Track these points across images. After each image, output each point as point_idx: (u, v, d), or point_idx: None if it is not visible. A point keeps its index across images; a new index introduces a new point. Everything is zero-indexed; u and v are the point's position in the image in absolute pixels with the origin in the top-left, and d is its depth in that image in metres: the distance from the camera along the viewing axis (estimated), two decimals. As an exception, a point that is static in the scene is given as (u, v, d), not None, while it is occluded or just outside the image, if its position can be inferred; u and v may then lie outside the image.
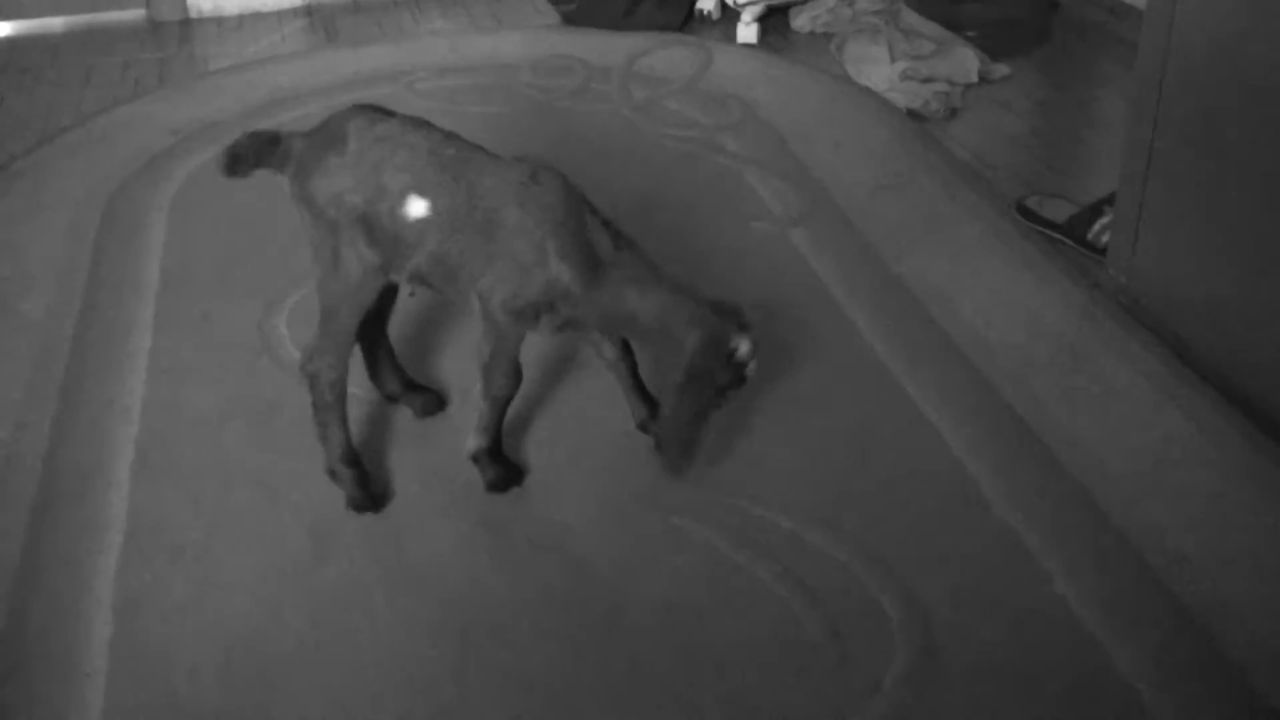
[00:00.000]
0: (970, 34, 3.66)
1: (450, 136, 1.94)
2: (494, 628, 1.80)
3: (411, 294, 2.10)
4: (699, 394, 1.86)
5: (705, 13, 4.14)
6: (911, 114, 3.37)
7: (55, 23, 4.37)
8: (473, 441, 2.02)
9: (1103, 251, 2.57)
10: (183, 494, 2.06)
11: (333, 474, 2.02)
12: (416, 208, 1.87)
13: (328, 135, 1.94)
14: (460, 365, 2.29)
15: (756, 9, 3.95)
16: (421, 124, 1.96)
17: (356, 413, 2.23)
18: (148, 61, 4.05)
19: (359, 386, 2.29)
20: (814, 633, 1.77)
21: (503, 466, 2.04)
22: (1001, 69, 3.60)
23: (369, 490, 2.02)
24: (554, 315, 1.90)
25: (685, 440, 1.89)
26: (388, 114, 1.97)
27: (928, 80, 3.48)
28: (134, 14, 4.38)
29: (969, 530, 1.95)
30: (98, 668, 1.75)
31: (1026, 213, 2.80)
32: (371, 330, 2.11)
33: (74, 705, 1.70)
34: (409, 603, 1.85)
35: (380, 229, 1.88)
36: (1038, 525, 1.94)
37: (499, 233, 1.85)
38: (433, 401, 2.23)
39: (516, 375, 1.98)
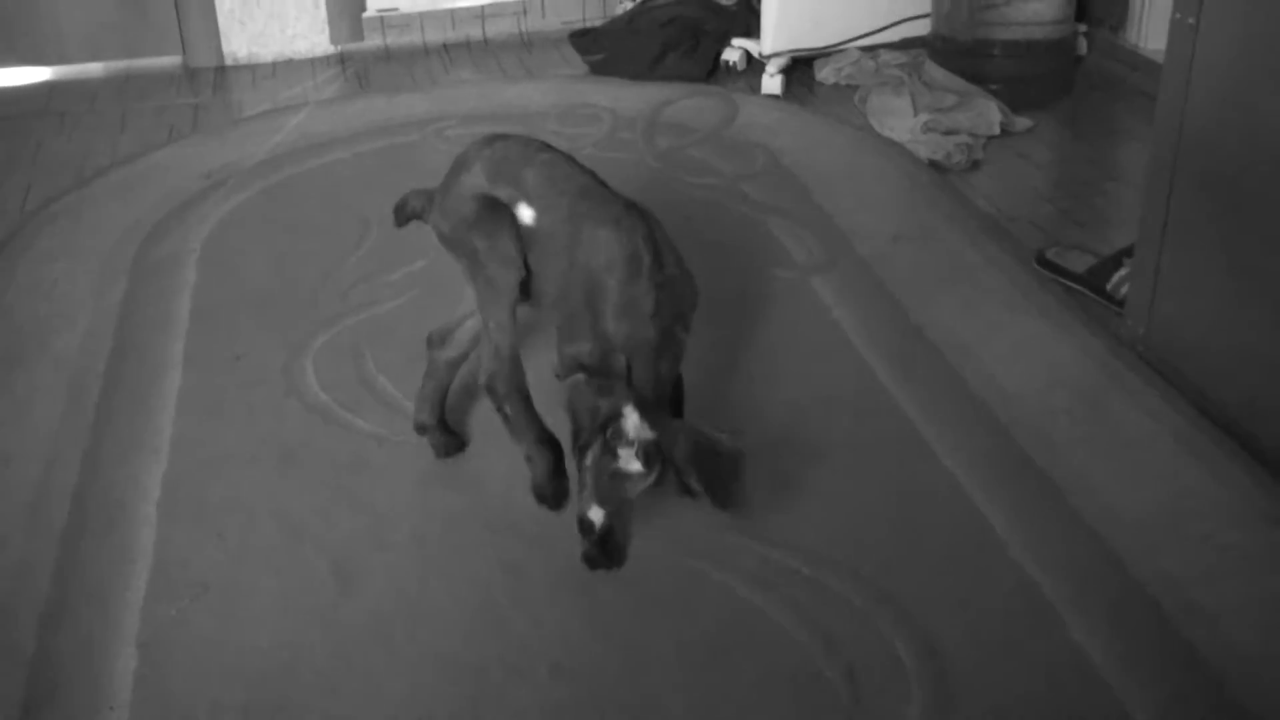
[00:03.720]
0: (993, 87, 3.69)
1: (569, 158, 2.07)
2: (512, 667, 1.82)
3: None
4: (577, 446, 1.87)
5: (731, 64, 4.20)
6: (933, 165, 3.41)
7: (94, 68, 4.46)
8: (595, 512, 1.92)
9: (1122, 303, 2.59)
10: (208, 531, 2.09)
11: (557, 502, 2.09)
12: (525, 214, 1.99)
13: (456, 164, 2.09)
14: (484, 409, 2.31)
15: (781, 61, 4.00)
16: (543, 145, 2.09)
17: (382, 454, 2.27)
18: (183, 107, 4.13)
19: (384, 427, 2.34)
20: (831, 676, 1.78)
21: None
22: (1023, 121, 3.63)
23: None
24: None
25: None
26: (508, 136, 2.12)
27: (950, 132, 3.52)
28: (171, 60, 4.47)
29: (986, 576, 1.96)
30: (122, 701, 1.78)
31: (1046, 263, 2.82)
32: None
33: (98, 737, 1.73)
34: (429, 640, 1.87)
35: None
36: (1054, 573, 1.95)
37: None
38: (454, 444, 2.26)
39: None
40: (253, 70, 4.45)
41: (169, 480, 2.23)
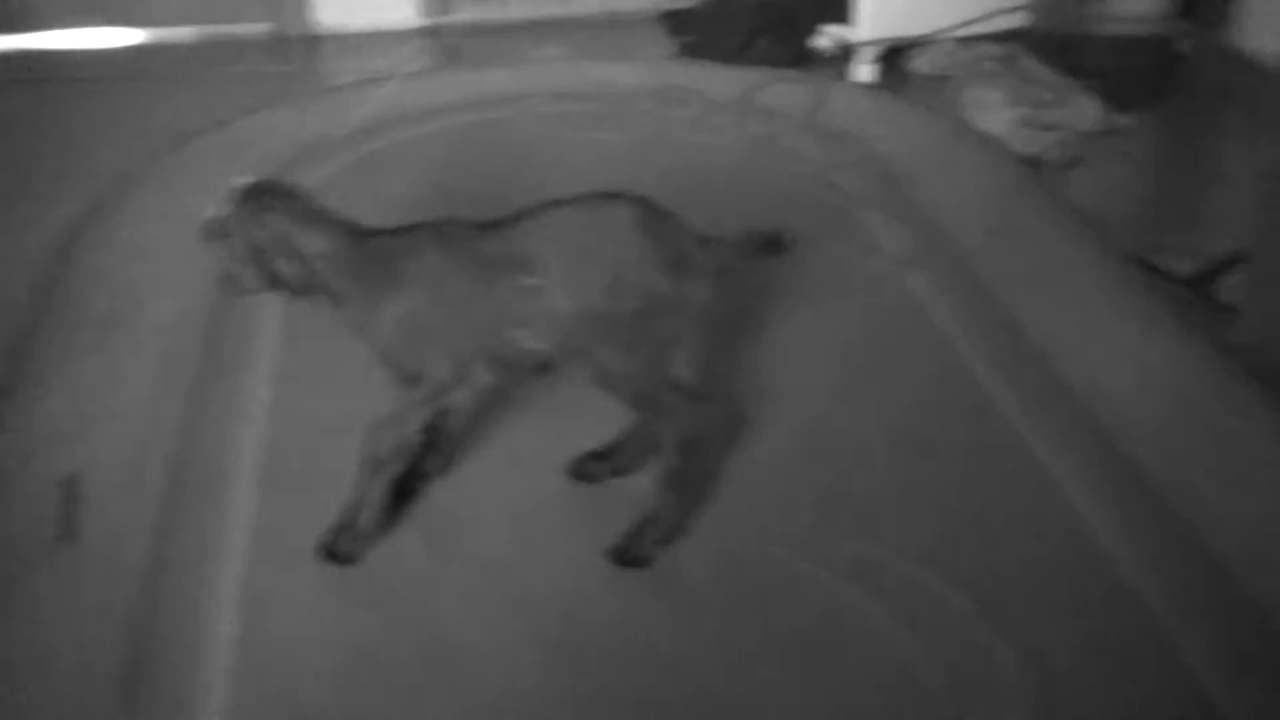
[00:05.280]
0: (1092, 83, 3.63)
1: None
2: (608, 653, 1.81)
3: None
4: None
5: (823, 50, 4.16)
6: (1030, 161, 3.36)
7: (184, 32, 4.50)
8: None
9: (1228, 309, 2.54)
10: (305, 501, 2.09)
11: None
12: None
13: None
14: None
15: (874, 49, 3.96)
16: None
17: (477, 429, 2.27)
18: (272, 74, 4.15)
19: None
20: (930, 680, 1.76)
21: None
22: (1123, 119, 3.57)
23: None
24: None
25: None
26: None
27: (1047, 128, 3.46)
28: (261, 27, 4.49)
29: (1088, 584, 1.93)
30: (222, 666, 1.79)
31: (1147, 266, 2.77)
32: None
33: (199, 699, 1.74)
34: (524, 621, 1.87)
35: None
36: (1160, 584, 1.91)
37: None
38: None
39: None
40: (341, 39, 4.47)
41: (267, 447, 2.24)
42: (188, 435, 2.27)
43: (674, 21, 4.31)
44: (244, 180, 1.87)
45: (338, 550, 1.98)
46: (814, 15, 4.17)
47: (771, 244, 1.95)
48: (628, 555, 1.96)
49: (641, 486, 2.00)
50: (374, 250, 1.86)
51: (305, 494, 2.10)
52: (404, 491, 2.07)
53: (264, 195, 1.85)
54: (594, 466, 2.13)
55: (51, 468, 2.19)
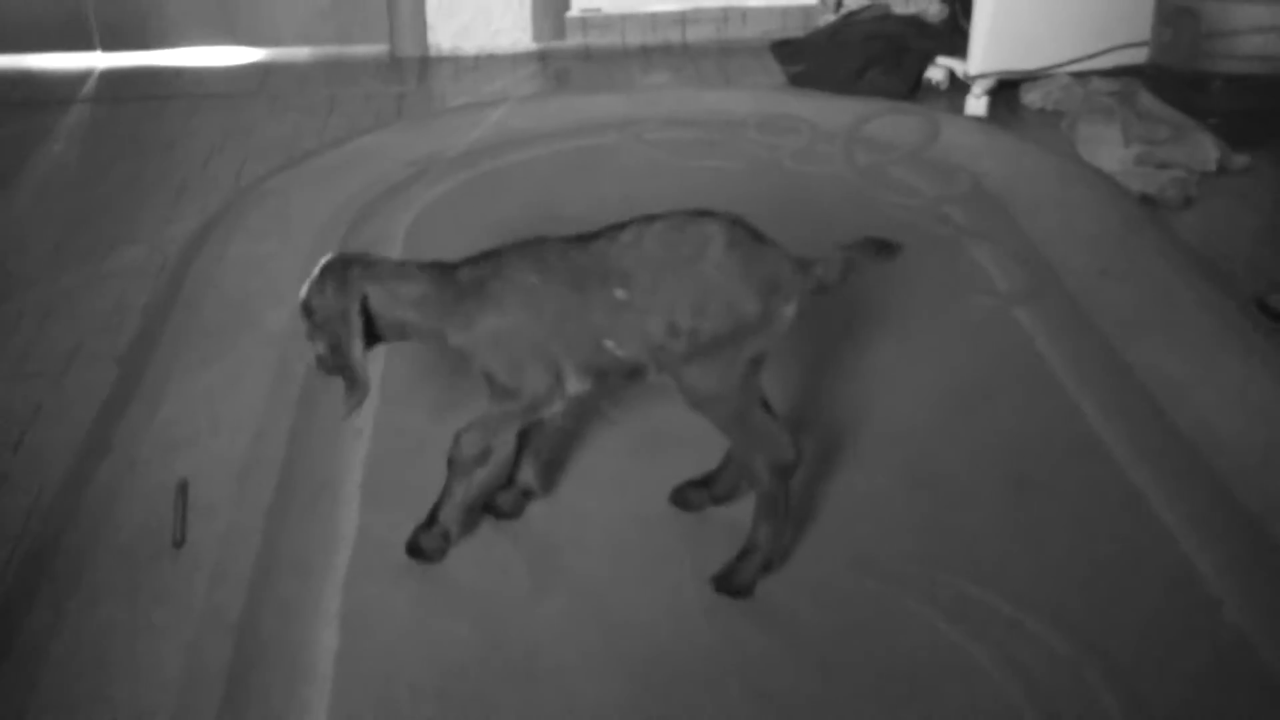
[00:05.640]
0: (1211, 121, 3.55)
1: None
2: (704, 682, 1.81)
3: None
4: None
5: (934, 83, 4.13)
6: (1144, 199, 3.29)
7: (303, 52, 4.60)
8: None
9: (1349, 356, 2.47)
10: (408, 516, 2.11)
11: None
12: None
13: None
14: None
15: (987, 82, 3.92)
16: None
17: (580, 452, 2.28)
18: (388, 95, 4.23)
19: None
20: (1031, 722, 1.73)
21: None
22: (1242, 159, 3.48)
23: None
24: None
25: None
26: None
27: (1163, 166, 3.40)
28: (378, 49, 4.58)
29: (1198, 634, 1.88)
30: (323, 674, 1.82)
31: (1266, 309, 2.70)
32: None
33: (298, 707, 1.77)
34: (622, 645, 1.87)
35: None
36: (1272, 631, 1.86)
37: None
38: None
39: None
40: (455, 62, 4.54)
41: (371, 462, 2.28)
42: (296, 446, 2.32)
43: (784, 51, 4.31)
44: (328, 257, 1.93)
45: (421, 547, 2.02)
46: (926, 47, 4.14)
47: (883, 249, 1.93)
48: (730, 584, 1.96)
49: (743, 515, 1.99)
50: (464, 279, 1.90)
51: (406, 509, 2.12)
52: (492, 504, 2.12)
53: (350, 266, 1.89)
54: (694, 495, 2.14)
55: (165, 474, 2.25)
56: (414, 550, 2.03)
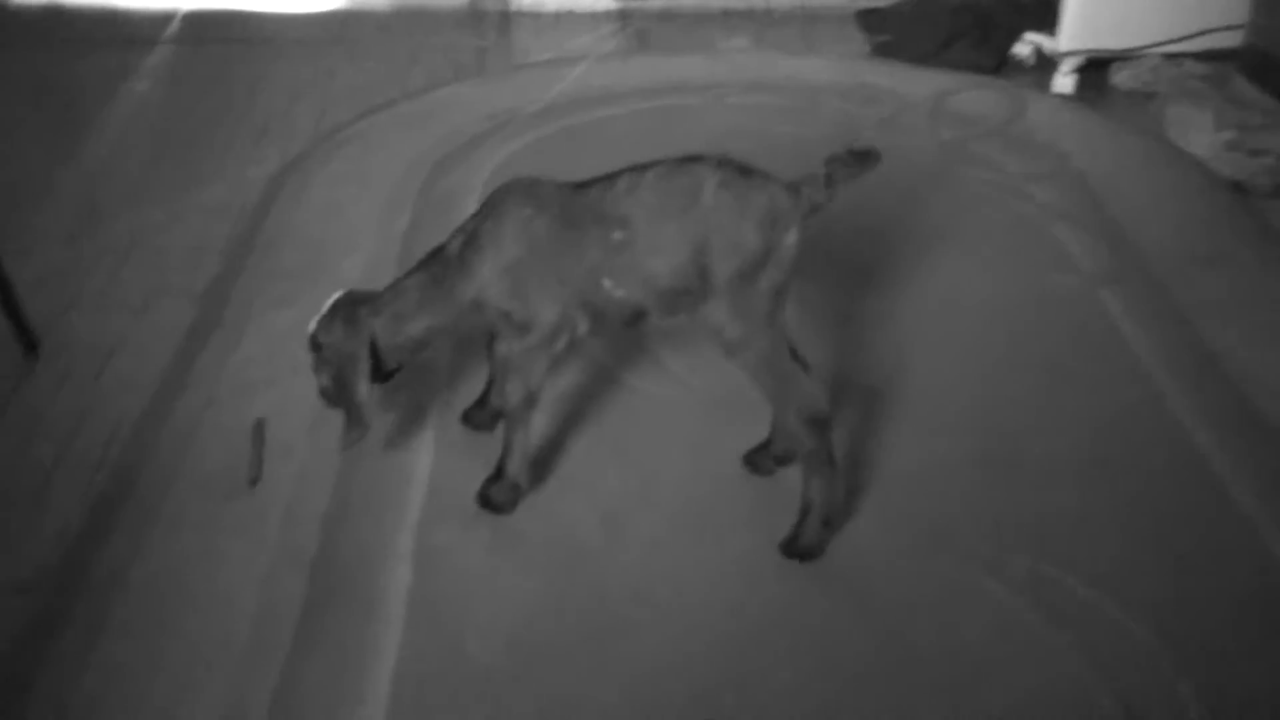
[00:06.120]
0: (1308, 109, 3.47)
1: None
2: (773, 645, 1.80)
3: None
4: None
5: (1021, 59, 4.06)
6: (1236, 186, 3.22)
7: (384, 2, 4.60)
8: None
9: None
10: (480, 465, 2.12)
11: None
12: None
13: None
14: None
15: (1075, 60, 3.84)
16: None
17: (652, 412, 2.27)
18: (468, 48, 4.22)
19: (655, 385, 2.33)
20: (1103, 707, 1.71)
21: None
22: (1337, 149, 3.40)
23: None
24: None
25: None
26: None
27: (1256, 153, 3.32)
28: (459, 2, 4.58)
29: (1278, 627, 1.84)
30: (395, 614, 1.83)
31: (1357, 303, 2.64)
32: None
33: (370, 645, 1.78)
34: (691, 606, 1.87)
35: None
36: (1357, 634, 1.82)
37: None
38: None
39: None
40: (536, 18, 4.52)
41: (443, 410, 2.28)
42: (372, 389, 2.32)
43: (869, 20, 4.25)
44: (337, 294, 2.01)
45: (491, 499, 2.03)
46: (1015, 22, 4.07)
47: (863, 157, 1.92)
48: (796, 547, 1.94)
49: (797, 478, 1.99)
50: (453, 245, 1.97)
51: (477, 458, 2.13)
52: (468, 416, 2.24)
53: (360, 305, 1.98)
54: (762, 459, 2.13)
55: (242, 413, 2.26)
56: (485, 501, 2.04)
